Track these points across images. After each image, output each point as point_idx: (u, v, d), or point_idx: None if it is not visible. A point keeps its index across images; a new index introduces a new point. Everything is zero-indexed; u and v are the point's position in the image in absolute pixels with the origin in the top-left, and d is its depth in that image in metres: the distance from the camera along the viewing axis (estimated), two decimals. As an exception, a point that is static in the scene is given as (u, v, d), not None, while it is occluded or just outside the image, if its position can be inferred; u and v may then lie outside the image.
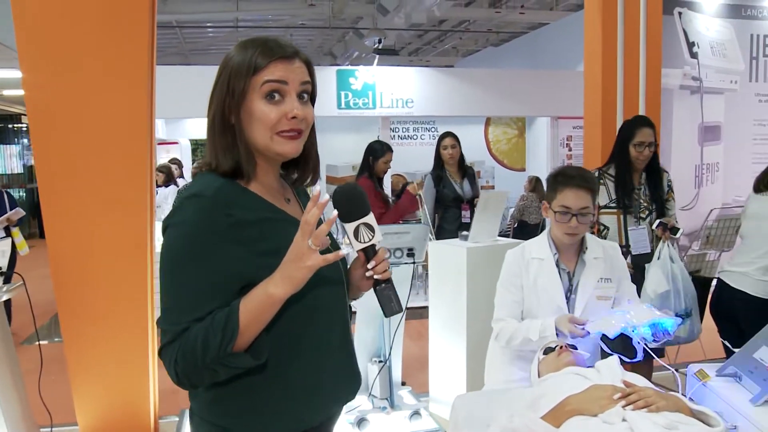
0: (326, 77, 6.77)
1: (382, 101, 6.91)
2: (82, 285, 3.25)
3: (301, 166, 1.46)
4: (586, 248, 2.49)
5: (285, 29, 12.28)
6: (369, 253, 1.33)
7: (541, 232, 2.86)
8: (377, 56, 8.15)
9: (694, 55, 7.16)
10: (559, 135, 8.19)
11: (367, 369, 3.64)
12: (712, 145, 7.34)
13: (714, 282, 3.49)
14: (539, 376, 1.97)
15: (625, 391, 1.57)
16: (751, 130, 6.66)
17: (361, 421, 3.40)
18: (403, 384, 4.00)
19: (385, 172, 4.79)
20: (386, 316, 1.42)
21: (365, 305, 3.57)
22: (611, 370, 1.73)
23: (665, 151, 6.98)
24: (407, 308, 3.60)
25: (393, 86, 6.92)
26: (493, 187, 9.47)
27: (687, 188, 7.24)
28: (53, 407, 3.44)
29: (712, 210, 4.21)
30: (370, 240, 1.31)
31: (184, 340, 1.20)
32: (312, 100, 1.38)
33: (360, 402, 3.58)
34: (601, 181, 3.39)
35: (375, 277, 1.35)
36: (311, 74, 1.35)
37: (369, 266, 1.32)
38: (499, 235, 3.80)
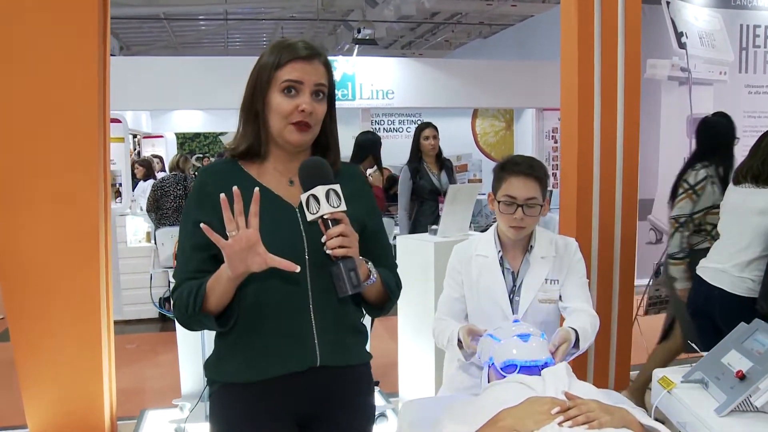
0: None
1: (362, 92, 6.75)
2: (28, 283, 3.14)
3: (326, 155, 1.56)
4: (532, 246, 2.30)
5: (276, 21, 12.11)
6: (328, 225, 1.40)
7: None
8: (356, 47, 8.00)
9: (682, 46, 7.00)
10: (545, 127, 8.05)
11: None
12: (701, 137, 7.20)
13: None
14: (489, 381, 1.82)
15: (565, 405, 1.39)
16: (740, 122, 6.49)
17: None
18: (377, 384, 3.87)
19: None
20: (338, 295, 1.44)
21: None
22: (556, 379, 1.56)
23: (653, 144, 6.85)
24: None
25: (373, 77, 6.75)
26: (480, 181, 9.32)
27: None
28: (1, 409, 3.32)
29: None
30: (317, 212, 1.39)
31: (176, 296, 1.47)
32: (331, 98, 1.56)
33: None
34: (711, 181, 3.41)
35: (327, 251, 1.41)
36: (329, 75, 1.54)
37: (322, 240, 1.41)
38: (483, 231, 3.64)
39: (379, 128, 8.30)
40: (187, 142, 14.91)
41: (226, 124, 9.65)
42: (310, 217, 1.40)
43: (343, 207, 1.42)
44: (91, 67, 3.12)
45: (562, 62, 3.88)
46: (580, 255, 2.35)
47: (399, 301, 3.65)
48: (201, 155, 13.84)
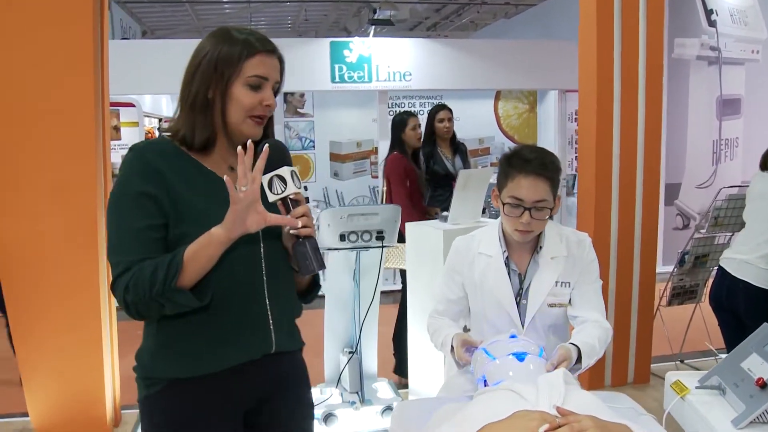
0: (319, 50, 6.45)
1: (378, 74, 6.60)
2: (27, 274, 3.11)
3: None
4: (541, 247, 2.09)
5: (299, 3, 11.97)
6: (289, 206, 1.42)
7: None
8: (372, 27, 7.83)
9: (712, 24, 6.74)
10: (568, 109, 7.83)
11: (339, 360, 3.39)
12: (731, 119, 6.94)
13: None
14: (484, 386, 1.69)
15: (555, 422, 1.23)
16: (772, 104, 6.23)
17: (328, 417, 3.16)
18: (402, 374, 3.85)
19: (420, 139, 4.40)
20: (302, 275, 1.49)
21: (334, 290, 3.32)
22: (551, 388, 1.41)
23: (680, 126, 6.62)
24: (382, 292, 3.38)
25: (389, 58, 6.59)
26: (503, 165, 9.12)
27: (704, 165, 6.87)
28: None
29: (721, 189, 3.87)
30: (282, 192, 1.41)
31: (136, 273, 1.35)
32: (276, 93, 1.55)
33: (330, 394, 3.35)
34: None
35: (291, 231, 1.44)
36: (283, 71, 1.55)
37: (289, 216, 1.41)
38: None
39: (399, 111, 8.15)
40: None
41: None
42: (272, 198, 1.41)
43: (302, 187, 1.46)
44: (87, 55, 3.07)
45: (580, 41, 3.71)
46: (593, 254, 2.13)
47: (408, 291, 3.58)
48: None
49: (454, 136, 4.53)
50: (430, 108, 4.84)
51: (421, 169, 4.34)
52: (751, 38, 6.84)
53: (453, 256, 2.22)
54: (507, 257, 2.10)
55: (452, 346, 1.98)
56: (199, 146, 1.46)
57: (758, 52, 6.91)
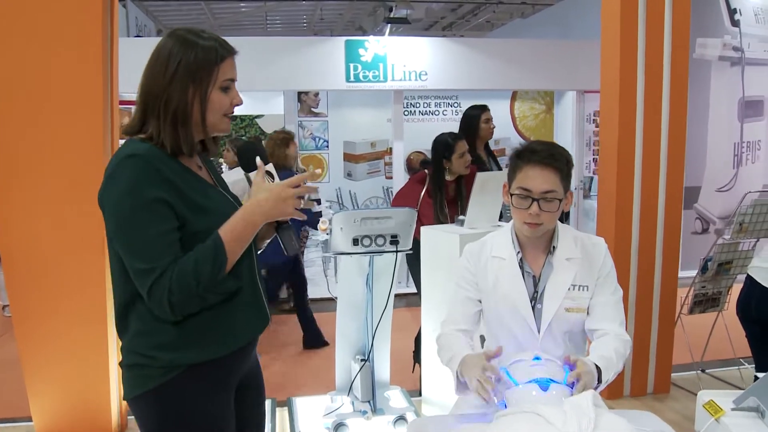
0: (334, 49, 6.33)
1: (394, 74, 6.48)
2: (33, 277, 3.06)
3: (212, 142, 1.68)
4: (554, 247, 2.02)
5: (315, 2, 11.90)
6: None
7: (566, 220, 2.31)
8: (387, 26, 7.71)
9: (735, 23, 6.58)
10: (586, 110, 7.67)
11: (350, 367, 3.30)
12: (753, 121, 6.78)
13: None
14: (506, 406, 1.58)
15: None
16: (796, 106, 6.09)
17: (338, 427, 3.07)
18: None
19: (468, 167, 3.76)
20: (288, 254, 1.70)
21: (346, 294, 3.23)
22: (580, 413, 1.31)
23: (701, 128, 6.47)
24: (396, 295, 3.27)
25: (405, 58, 6.47)
26: (518, 166, 8.99)
27: (725, 168, 6.71)
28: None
29: (746, 194, 3.74)
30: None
31: (176, 275, 1.40)
32: None
33: (341, 402, 3.26)
34: None
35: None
36: None
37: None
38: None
39: (414, 111, 8.02)
40: (236, 120, 14.81)
41: (263, 106, 9.46)
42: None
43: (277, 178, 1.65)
44: (96, 52, 3.01)
45: (602, 42, 3.60)
46: (611, 262, 2.05)
47: (423, 296, 3.47)
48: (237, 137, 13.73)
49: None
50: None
51: (461, 197, 3.79)
52: (775, 39, 6.68)
53: (464, 262, 2.14)
54: (521, 259, 2.02)
55: (458, 372, 1.87)
56: (188, 154, 1.54)
57: (783, 52, 6.74)
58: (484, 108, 4.30)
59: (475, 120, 4.20)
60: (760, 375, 1.73)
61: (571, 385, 1.64)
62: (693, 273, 3.91)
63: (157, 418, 1.53)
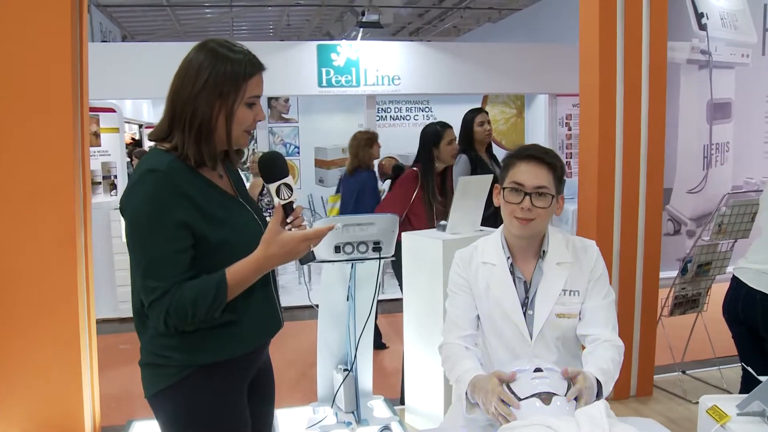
0: (306, 53, 6.28)
1: (367, 78, 6.44)
2: (3, 290, 2.92)
3: (234, 153, 1.65)
4: (545, 251, 1.99)
5: (282, 8, 11.80)
6: (287, 210, 1.54)
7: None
8: (360, 30, 7.67)
9: (702, 27, 6.64)
10: (558, 114, 7.72)
11: (333, 377, 3.22)
12: (721, 123, 6.83)
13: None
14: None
15: None
16: (763, 108, 6.19)
17: (322, 438, 3.00)
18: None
19: (454, 156, 3.96)
20: (302, 264, 1.69)
21: (327, 304, 3.15)
22: (593, 424, 1.26)
23: (671, 131, 6.51)
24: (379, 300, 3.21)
25: (378, 62, 6.43)
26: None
27: (694, 170, 6.74)
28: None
29: (725, 195, 3.76)
30: (289, 197, 1.55)
31: (176, 299, 1.45)
32: None
33: (324, 414, 3.18)
34: None
35: (292, 229, 1.55)
36: None
37: (288, 220, 1.54)
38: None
39: (386, 116, 7.99)
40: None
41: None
42: (282, 203, 1.54)
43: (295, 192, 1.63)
44: (65, 57, 2.91)
45: (581, 45, 3.59)
46: (602, 263, 2.03)
47: (405, 303, 3.41)
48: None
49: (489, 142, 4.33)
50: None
51: (445, 191, 3.91)
52: (741, 42, 6.77)
53: (456, 268, 2.11)
54: (512, 264, 2.00)
55: (467, 393, 1.82)
56: (211, 167, 1.56)
57: (748, 56, 6.84)
58: (478, 111, 4.30)
59: (469, 123, 4.20)
60: (762, 378, 1.70)
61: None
62: (668, 274, 3.91)
63: (171, 415, 1.59)
